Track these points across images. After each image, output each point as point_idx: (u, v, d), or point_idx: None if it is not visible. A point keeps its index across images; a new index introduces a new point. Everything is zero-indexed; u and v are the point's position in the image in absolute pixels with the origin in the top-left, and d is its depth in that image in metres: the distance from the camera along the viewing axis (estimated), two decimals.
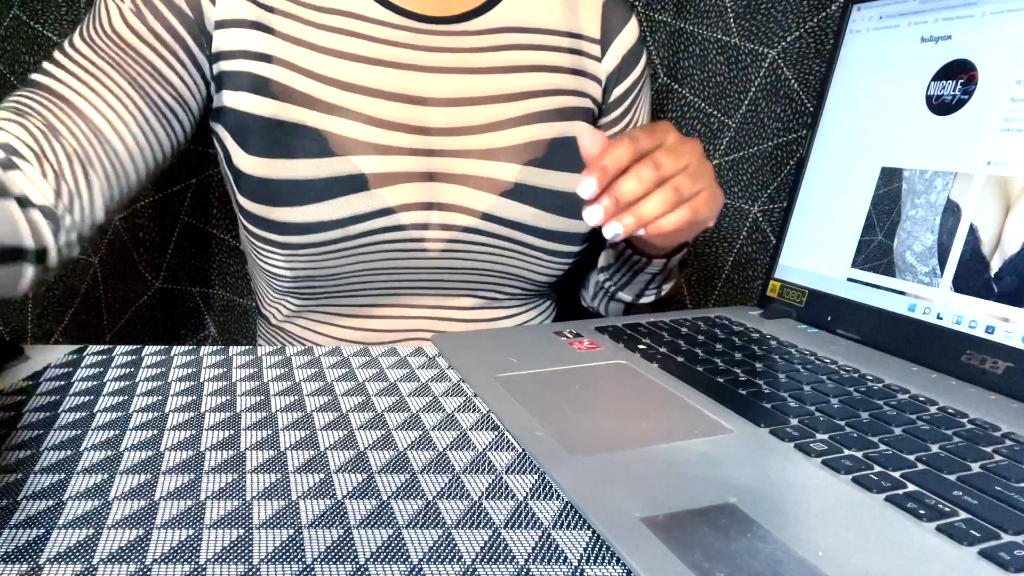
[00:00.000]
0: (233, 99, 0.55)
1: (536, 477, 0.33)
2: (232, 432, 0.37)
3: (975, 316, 0.45)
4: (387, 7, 0.57)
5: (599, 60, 0.65)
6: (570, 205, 0.60)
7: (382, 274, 0.59)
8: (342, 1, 0.57)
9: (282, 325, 0.64)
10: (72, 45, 0.52)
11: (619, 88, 0.67)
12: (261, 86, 0.54)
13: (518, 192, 0.58)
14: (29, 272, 0.42)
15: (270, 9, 0.55)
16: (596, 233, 0.64)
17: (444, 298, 0.62)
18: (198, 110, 0.56)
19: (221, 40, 0.54)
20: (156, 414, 0.39)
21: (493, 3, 0.61)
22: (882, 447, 0.35)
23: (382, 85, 0.56)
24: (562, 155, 0.60)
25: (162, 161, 0.55)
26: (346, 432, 0.37)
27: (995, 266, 0.44)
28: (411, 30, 0.58)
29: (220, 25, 0.54)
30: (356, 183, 0.54)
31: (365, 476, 0.33)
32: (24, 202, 0.43)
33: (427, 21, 0.58)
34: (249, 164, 0.55)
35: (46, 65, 0.51)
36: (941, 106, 0.49)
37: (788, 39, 0.77)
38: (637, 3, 0.83)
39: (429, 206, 0.57)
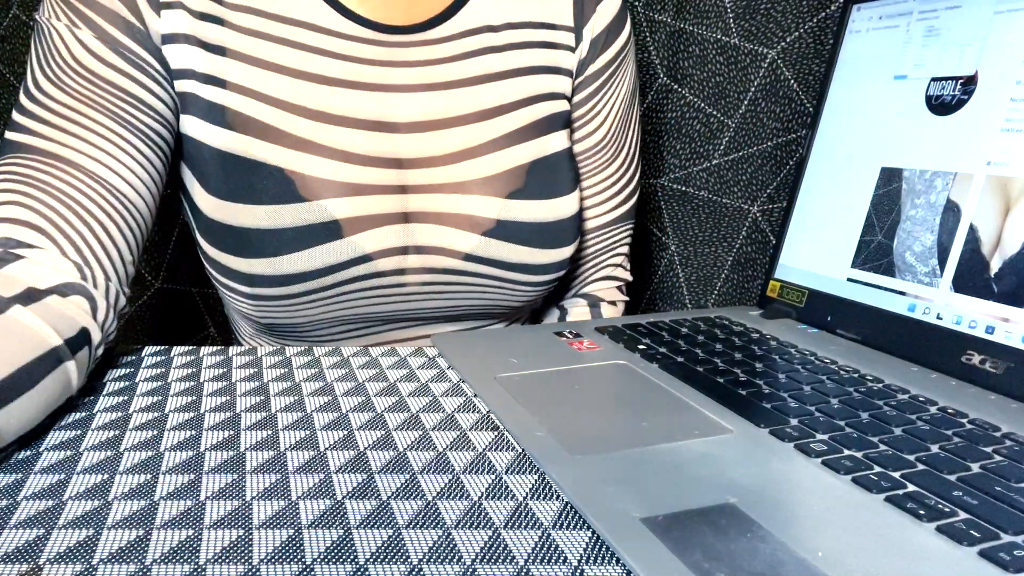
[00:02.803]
0: (191, 126, 0.50)
1: (536, 477, 0.33)
2: (232, 432, 0.37)
3: (975, 316, 0.45)
4: (348, 17, 0.52)
5: (573, 50, 0.59)
6: (554, 236, 0.56)
7: (360, 316, 0.56)
8: (297, 10, 0.51)
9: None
10: (41, 90, 0.46)
11: (586, 72, 0.60)
12: (217, 115, 0.49)
13: (502, 229, 0.54)
14: (71, 367, 0.38)
15: (219, 21, 0.49)
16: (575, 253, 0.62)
17: (425, 328, 0.59)
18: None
19: (172, 57, 0.49)
20: (156, 414, 0.39)
21: (461, 4, 0.55)
22: (882, 447, 0.35)
23: (353, 111, 0.51)
24: (541, 180, 0.55)
25: (163, 188, 0.51)
26: (346, 432, 0.37)
27: (995, 266, 0.44)
28: (377, 43, 0.52)
29: (168, 40, 0.48)
30: (329, 231, 0.50)
31: (365, 476, 0.33)
32: (32, 296, 0.38)
33: (392, 32, 0.53)
34: (208, 204, 0.50)
35: (22, 120, 0.46)
36: (941, 106, 0.49)
37: (788, 39, 0.77)
38: (637, 3, 0.83)
39: (405, 250, 0.53)
